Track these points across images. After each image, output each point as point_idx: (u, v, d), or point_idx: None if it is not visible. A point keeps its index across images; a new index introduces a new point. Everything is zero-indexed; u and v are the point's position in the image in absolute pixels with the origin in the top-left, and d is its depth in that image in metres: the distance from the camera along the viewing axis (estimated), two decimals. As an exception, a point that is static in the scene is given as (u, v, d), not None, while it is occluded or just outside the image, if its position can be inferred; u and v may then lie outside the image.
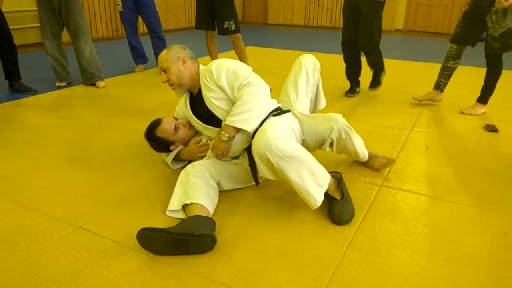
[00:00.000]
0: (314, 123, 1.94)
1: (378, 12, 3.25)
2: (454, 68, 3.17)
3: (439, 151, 2.45)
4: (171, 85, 2.00)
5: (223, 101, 1.92)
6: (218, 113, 1.93)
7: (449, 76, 3.21)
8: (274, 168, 1.63)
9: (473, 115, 3.07)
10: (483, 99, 3.11)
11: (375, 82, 3.59)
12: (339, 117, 1.93)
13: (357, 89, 3.65)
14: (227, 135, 1.79)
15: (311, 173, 1.64)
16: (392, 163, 2.16)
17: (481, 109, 3.11)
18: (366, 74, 3.65)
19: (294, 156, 1.61)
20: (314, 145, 1.95)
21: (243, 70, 1.91)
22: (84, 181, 2.04)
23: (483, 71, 3.08)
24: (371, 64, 3.51)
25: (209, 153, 1.98)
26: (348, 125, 1.94)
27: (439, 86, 3.27)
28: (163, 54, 2.00)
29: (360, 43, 3.37)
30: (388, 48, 3.36)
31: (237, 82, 1.86)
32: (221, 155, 1.86)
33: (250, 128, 1.78)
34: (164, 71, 1.98)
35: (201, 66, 2.05)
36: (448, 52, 3.14)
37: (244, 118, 1.78)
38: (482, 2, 2.81)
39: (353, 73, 3.61)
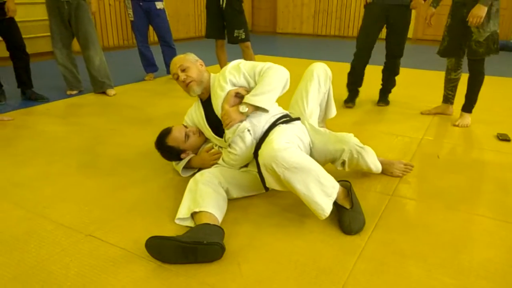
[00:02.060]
0: (325, 142, 1.93)
1: (409, 18, 3.30)
2: (458, 79, 3.14)
3: (451, 160, 2.42)
4: (189, 83, 1.97)
5: None
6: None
7: (455, 88, 3.18)
8: (281, 179, 1.62)
9: (467, 126, 2.99)
10: (469, 108, 3.03)
11: (386, 101, 3.56)
12: (351, 138, 1.92)
13: (356, 99, 3.57)
14: (246, 109, 1.86)
15: (319, 183, 1.62)
16: (411, 168, 2.16)
17: (468, 118, 3.03)
18: (366, 84, 3.63)
19: (301, 167, 1.59)
20: (324, 162, 1.92)
21: (260, 62, 1.99)
22: (94, 189, 2.05)
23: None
24: (393, 72, 3.46)
25: (219, 161, 1.97)
26: (360, 144, 1.93)
27: (448, 99, 3.24)
28: (181, 56, 2.04)
29: (393, 50, 3.38)
30: (398, 57, 3.34)
31: (257, 69, 1.95)
32: (228, 124, 1.86)
33: (269, 107, 1.88)
34: (183, 70, 1.98)
35: (212, 74, 2.07)
36: (448, 65, 3.13)
37: (265, 99, 1.87)
38: (463, 10, 2.79)
39: (357, 83, 3.53)
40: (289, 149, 1.62)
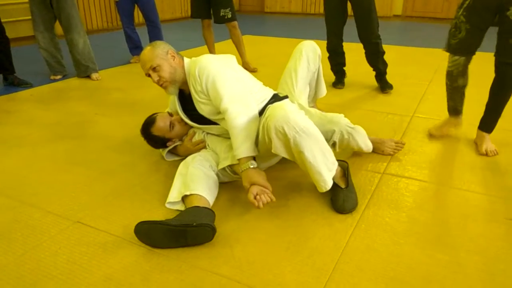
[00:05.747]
0: (315, 123, 1.87)
1: None
2: (466, 84, 2.25)
3: (442, 137, 2.41)
4: (162, 84, 1.84)
5: (213, 112, 1.84)
6: (209, 119, 1.89)
7: (463, 95, 2.30)
8: (290, 144, 1.54)
9: (495, 152, 2.16)
10: (489, 127, 2.22)
11: (387, 84, 3.27)
12: (341, 119, 1.89)
13: (344, 79, 3.47)
14: (249, 165, 1.63)
15: (323, 155, 1.60)
16: (403, 146, 2.15)
17: (489, 139, 2.21)
18: (350, 63, 3.59)
19: (310, 133, 1.54)
20: None
21: (221, 85, 1.73)
22: (81, 175, 2.01)
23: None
24: (376, 54, 3.18)
25: (207, 147, 1.94)
26: (351, 124, 1.91)
27: (457, 110, 2.37)
28: (148, 51, 1.82)
29: (365, 35, 3.11)
30: (387, 34, 3.26)
31: (217, 102, 1.74)
32: (263, 195, 1.59)
33: (256, 152, 1.69)
34: (154, 69, 1.80)
35: (185, 59, 1.92)
36: (453, 69, 2.16)
37: (247, 147, 1.65)
38: None
39: (340, 63, 3.41)
40: (301, 113, 1.59)
